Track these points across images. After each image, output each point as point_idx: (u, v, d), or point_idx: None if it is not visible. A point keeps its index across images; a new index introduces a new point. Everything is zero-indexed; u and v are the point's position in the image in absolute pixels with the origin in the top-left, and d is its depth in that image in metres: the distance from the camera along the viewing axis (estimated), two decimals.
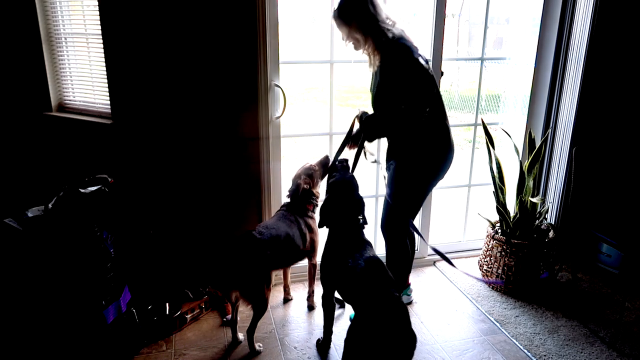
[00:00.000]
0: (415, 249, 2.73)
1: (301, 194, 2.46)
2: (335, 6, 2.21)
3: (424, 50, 2.77)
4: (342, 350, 1.85)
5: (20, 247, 2.02)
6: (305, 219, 2.47)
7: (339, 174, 2.25)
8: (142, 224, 2.58)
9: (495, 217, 2.91)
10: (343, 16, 2.18)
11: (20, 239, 1.99)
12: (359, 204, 2.18)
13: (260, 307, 2.25)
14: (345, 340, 1.81)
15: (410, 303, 2.73)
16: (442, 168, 2.32)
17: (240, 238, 2.25)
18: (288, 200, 2.53)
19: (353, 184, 2.23)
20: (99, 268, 2.12)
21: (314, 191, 2.52)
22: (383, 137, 2.37)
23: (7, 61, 2.58)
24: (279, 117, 2.60)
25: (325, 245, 2.19)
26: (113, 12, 2.33)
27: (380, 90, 2.23)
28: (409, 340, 1.72)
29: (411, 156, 2.28)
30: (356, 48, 2.24)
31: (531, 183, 2.79)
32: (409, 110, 2.10)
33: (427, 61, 2.17)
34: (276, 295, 2.78)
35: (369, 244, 2.10)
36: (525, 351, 2.35)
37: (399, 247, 2.42)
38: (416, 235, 2.62)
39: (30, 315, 2.12)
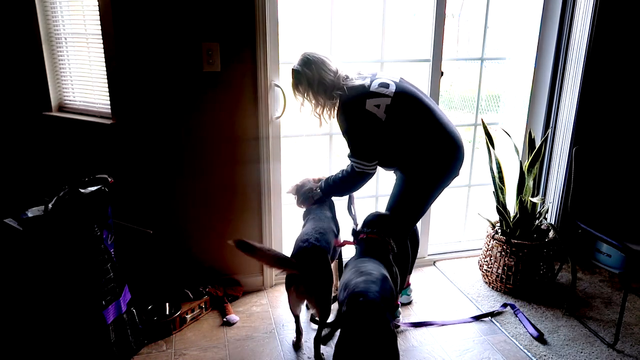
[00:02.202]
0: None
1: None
2: (291, 77, 2.29)
3: (423, 51, 2.79)
4: None
5: (20, 247, 2.02)
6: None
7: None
8: (142, 224, 2.59)
9: (495, 217, 2.91)
10: (299, 88, 2.27)
11: (20, 239, 1.99)
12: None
13: (327, 313, 2.22)
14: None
15: (410, 303, 2.73)
16: (452, 171, 2.28)
17: (311, 250, 2.16)
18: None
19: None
20: (98, 268, 2.13)
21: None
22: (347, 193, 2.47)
23: (7, 61, 2.58)
24: (279, 117, 2.60)
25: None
26: (113, 11, 2.33)
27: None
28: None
29: (418, 168, 2.25)
30: (314, 109, 2.30)
31: (531, 183, 2.79)
32: (356, 166, 2.24)
33: (382, 94, 2.16)
34: (276, 296, 2.78)
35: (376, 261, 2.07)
36: (525, 351, 2.35)
37: (401, 250, 2.41)
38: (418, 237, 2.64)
39: (30, 315, 2.12)
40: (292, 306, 2.27)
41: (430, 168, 2.25)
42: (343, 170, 2.35)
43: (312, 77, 2.21)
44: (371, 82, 2.21)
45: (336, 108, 2.26)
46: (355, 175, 2.28)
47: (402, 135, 2.21)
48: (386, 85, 2.19)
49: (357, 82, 2.22)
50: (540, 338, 2.42)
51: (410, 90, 2.24)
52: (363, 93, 2.18)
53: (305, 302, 2.33)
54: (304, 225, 2.42)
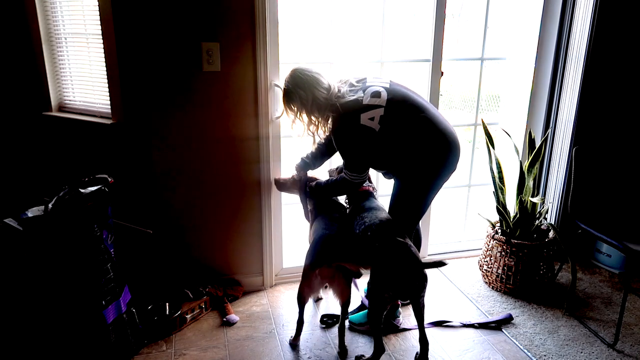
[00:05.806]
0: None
1: None
2: (282, 96, 2.27)
3: (423, 51, 2.79)
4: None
5: (20, 247, 2.02)
6: None
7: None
8: (142, 223, 2.59)
9: (495, 217, 2.91)
10: (291, 107, 2.25)
11: (20, 239, 2.00)
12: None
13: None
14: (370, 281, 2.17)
15: (410, 303, 2.72)
16: (446, 168, 2.26)
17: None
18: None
19: None
20: (98, 268, 2.13)
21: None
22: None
23: (6, 61, 2.58)
24: (279, 117, 2.60)
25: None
26: (113, 11, 2.33)
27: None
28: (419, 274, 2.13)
29: (413, 168, 2.24)
30: (307, 127, 2.29)
31: (531, 183, 2.79)
32: (346, 177, 2.29)
33: (376, 105, 2.15)
34: (276, 296, 2.78)
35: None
36: (525, 351, 2.36)
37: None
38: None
39: (30, 315, 2.12)
40: (308, 292, 2.27)
41: (424, 166, 2.24)
42: (332, 178, 2.45)
43: (305, 98, 2.18)
44: (364, 93, 2.19)
45: (330, 124, 2.27)
46: (347, 184, 2.33)
47: (396, 140, 2.20)
48: (378, 94, 2.18)
49: (351, 98, 2.19)
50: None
51: (401, 93, 2.22)
52: (357, 108, 2.16)
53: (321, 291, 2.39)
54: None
